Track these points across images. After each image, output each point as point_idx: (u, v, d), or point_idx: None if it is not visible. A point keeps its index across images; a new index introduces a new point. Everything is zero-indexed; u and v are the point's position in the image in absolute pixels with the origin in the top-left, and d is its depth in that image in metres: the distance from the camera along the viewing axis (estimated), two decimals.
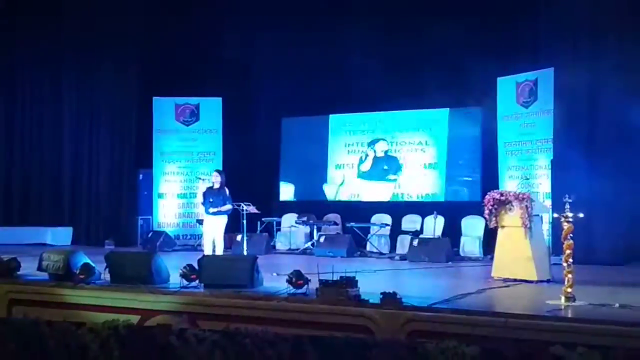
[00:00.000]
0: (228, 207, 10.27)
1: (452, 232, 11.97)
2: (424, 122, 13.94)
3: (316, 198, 14.77)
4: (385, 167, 14.12)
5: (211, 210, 10.24)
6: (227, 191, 10.32)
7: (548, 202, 10.80)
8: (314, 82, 13.89)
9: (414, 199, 13.63)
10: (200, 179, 12.75)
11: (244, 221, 11.00)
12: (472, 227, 11.91)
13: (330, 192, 14.65)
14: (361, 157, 14.37)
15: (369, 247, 12.71)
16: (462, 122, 13.53)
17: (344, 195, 14.46)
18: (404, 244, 12.02)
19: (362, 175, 14.36)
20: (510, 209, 8.35)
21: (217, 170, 10.76)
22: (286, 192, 15.11)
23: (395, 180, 13.92)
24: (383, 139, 14.20)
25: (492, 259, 9.01)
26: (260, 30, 13.96)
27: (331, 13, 13.45)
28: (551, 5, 11.08)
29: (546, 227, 9.49)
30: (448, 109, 13.62)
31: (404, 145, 13.99)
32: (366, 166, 14.34)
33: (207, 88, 14.25)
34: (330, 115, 14.82)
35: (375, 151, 14.23)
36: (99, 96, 14.72)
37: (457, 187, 13.42)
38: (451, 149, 13.56)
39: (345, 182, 14.48)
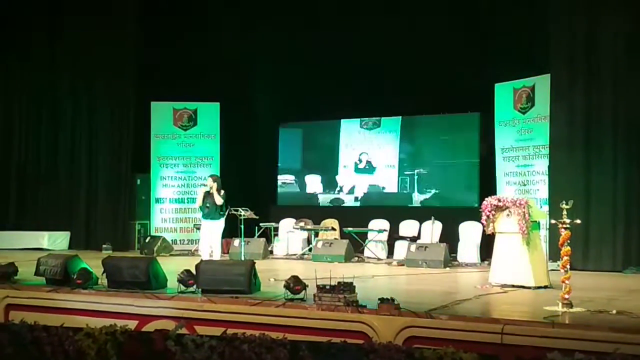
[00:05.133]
0: (220, 200, 10.26)
1: (450, 238, 11.96)
2: (421, 127, 13.98)
3: (314, 203, 14.81)
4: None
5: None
6: (222, 192, 10.30)
7: (545, 208, 10.82)
8: (312, 88, 13.91)
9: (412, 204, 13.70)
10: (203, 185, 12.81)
11: (242, 226, 11.02)
12: (470, 233, 11.90)
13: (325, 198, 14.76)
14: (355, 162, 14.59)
15: (366, 253, 12.70)
16: (460, 127, 13.56)
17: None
18: (401, 249, 12.01)
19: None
20: (507, 215, 8.35)
21: (212, 176, 10.78)
22: (284, 196, 15.17)
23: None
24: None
25: (489, 264, 9.02)
26: (258, 35, 13.98)
27: (330, 19, 13.49)
28: (549, 11, 11.10)
29: (543, 233, 9.49)
30: (446, 114, 13.65)
31: (397, 150, 14.07)
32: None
33: (205, 93, 14.27)
34: (326, 121, 14.97)
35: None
36: (97, 100, 14.71)
37: (452, 192, 13.45)
38: (447, 154, 13.60)
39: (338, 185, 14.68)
